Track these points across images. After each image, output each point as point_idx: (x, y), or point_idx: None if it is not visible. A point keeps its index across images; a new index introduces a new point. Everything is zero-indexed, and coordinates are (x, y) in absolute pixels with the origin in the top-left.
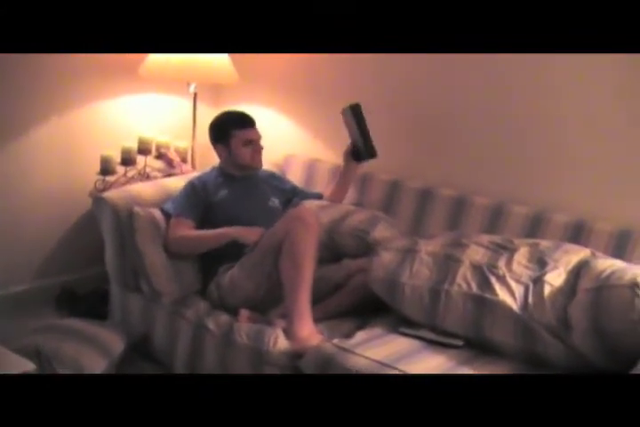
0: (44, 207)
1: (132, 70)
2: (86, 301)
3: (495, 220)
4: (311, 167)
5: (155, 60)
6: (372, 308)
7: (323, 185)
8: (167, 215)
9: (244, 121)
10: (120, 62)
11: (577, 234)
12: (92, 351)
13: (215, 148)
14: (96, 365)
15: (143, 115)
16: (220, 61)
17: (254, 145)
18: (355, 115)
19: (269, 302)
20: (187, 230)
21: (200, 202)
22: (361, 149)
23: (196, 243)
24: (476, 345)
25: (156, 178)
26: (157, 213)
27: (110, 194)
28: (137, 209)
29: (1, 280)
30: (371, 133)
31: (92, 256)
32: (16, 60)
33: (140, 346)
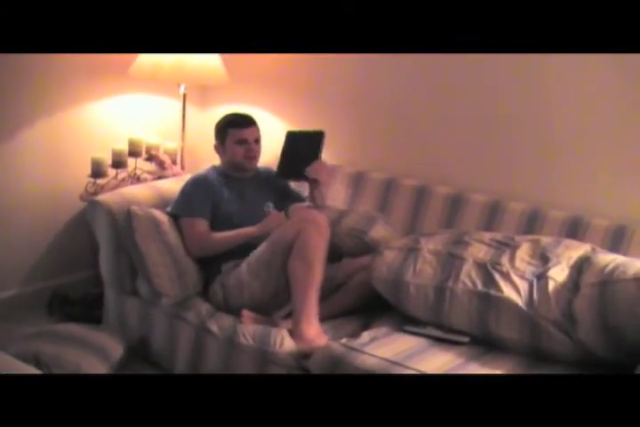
0: (32, 211)
1: (119, 71)
2: (79, 305)
3: (491, 217)
4: None
5: (145, 60)
6: (374, 306)
7: None
8: (174, 217)
9: (239, 120)
10: (108, 63)
11: (574, 230)
12: (91, 357)
13: (216, 148)
14: (96, 370)
15: (131, 116)
16: (210, 62)
17: (247, 144)
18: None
19: (274, 303)
20: (205, 231)
21: (209, 198)
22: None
23: (218, 245)
24: (483, 341)
25: (146, 180)
26: (157, 213)
27: (104, 197)
28: (134, 208)
29: None
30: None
31: (81, 260)
32: (3, 61)
33: (139, 350)
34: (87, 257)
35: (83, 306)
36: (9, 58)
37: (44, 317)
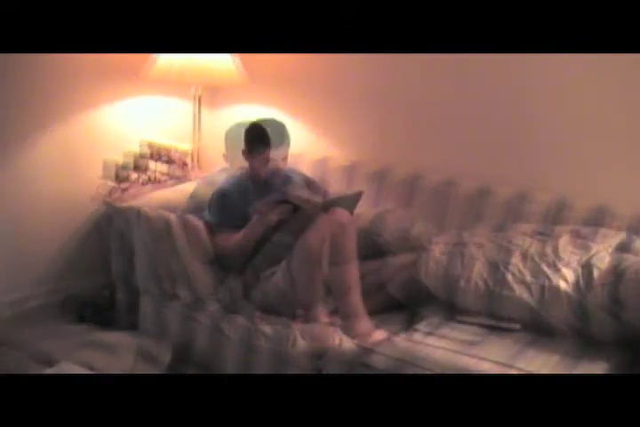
0: (45, 213)
1: (131, 73)
2: (92, 306)
3: (518, 208)
4: (322, 165)
5: (159, 62)
6: (418, 302)
7: (335, 182)
8: (208, 224)
9: (257, 147)
10: (120, 65)
11: (600, 219)
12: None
13: (243, 153)
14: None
15: (144, 118)
16: (223, 63)
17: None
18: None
19: (317, 303)
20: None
21: (237, 209)
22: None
23: (244, 244)
24: (532, 328)
25: (165, 182)
26: (193, 219)
27: (138, 203)
28: (173, 216)
29: (4, 287)
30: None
31: (94, 262)
32: (16, 65)
33: (180, 355)
34: (100, 259)
35: (95, 308)
36: (21, 62)
37: (57, 318)
